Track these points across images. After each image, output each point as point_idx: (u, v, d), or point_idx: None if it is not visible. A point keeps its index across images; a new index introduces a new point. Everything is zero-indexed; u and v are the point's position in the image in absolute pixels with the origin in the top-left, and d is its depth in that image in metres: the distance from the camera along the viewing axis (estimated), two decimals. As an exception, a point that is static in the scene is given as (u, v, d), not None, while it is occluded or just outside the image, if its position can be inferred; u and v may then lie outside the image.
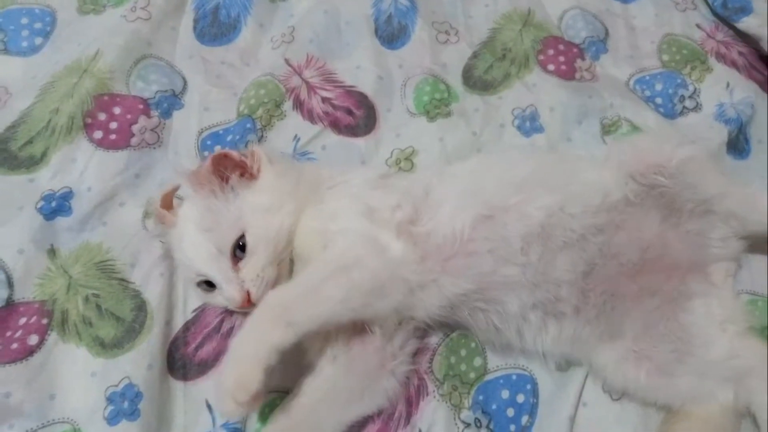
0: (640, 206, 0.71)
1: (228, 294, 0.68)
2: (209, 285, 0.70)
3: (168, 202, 0.75)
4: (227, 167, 0.71)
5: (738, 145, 0.93)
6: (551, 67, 0.99)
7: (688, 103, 0.97)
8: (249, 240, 0.68)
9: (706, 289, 0.72)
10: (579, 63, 1.00)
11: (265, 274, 0.68)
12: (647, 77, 1.00)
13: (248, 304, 0.67)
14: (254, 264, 0.68)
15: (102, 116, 0.88)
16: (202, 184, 0.71)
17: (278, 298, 0.64)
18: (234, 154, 0.72)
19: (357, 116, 0.93)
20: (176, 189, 0.76)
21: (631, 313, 0.70)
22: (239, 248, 0.68)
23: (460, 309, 0.70)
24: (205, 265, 0.69)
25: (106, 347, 0.74)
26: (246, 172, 0.72)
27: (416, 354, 0.76)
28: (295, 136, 0.91)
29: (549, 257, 0.68)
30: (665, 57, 1.02)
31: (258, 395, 0.59)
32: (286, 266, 0.72)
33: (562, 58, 1.00)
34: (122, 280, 0.78)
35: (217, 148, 0.88)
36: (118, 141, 0.87)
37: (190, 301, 0.78)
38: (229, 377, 0.60)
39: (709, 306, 0.71)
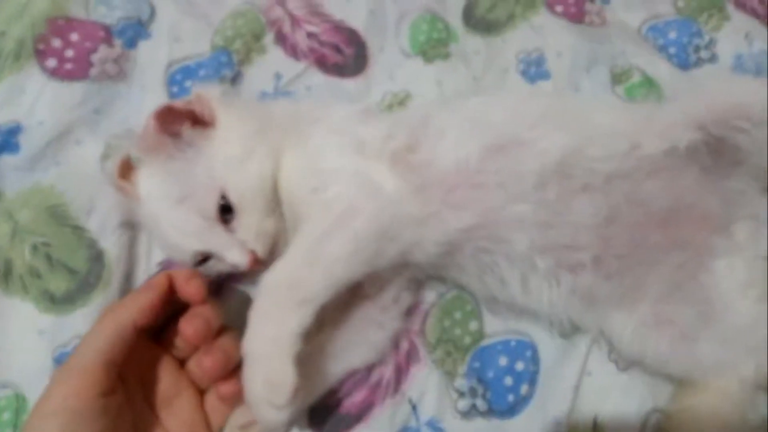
0: (684, 157, 0.63)
1: (232, 261, 0.60)
2: (203, 260, 0.62)
3: (125, 170, 0.63)
4: (174, 121, 0.61)
5: (757, 99, 0.86)
6: (559, 8, 0.90)
7: (703, 54, 0.89)
8: (233, 197, 0.59)
9: (731, 248, 0.65)
10: (588, 6, 0.91)
11: (264, 228, 0.60)
12: (661, 24, 0.92)
13: (257, 264, 0.60)
14: (248, 222, 0.60)
15: (56, 42, 0.77)
16: (154, 149, 0.61)
17: (279, 276, 0.56)
18: (177, 104, 0.62)
19: (346, 54, 0.84)
20: (128, 156, 0.65)
21: (656, 269, 0.63)
22: (225, 210, 0.59)
23: (463, 250, 0.62)
24: (197, 241, 0.60)
25: (56, 302, 0.65)
26: (198, 121, 0.62)
27: (407, 313, 0.68)
28: (276, 73, 0.82)
29: (567, 198, 0.61)
30: (680, 3, 0.93)
31: (297, 390, 0.52)
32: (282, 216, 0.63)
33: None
34: (76, 227, 0.68)
35: (191, 91, 0.76)
36: (74, 71, 0.77)
37: (155, 252, 0.69)
38: (256, 383, 0.53)
39: (732, 267, 0.64)
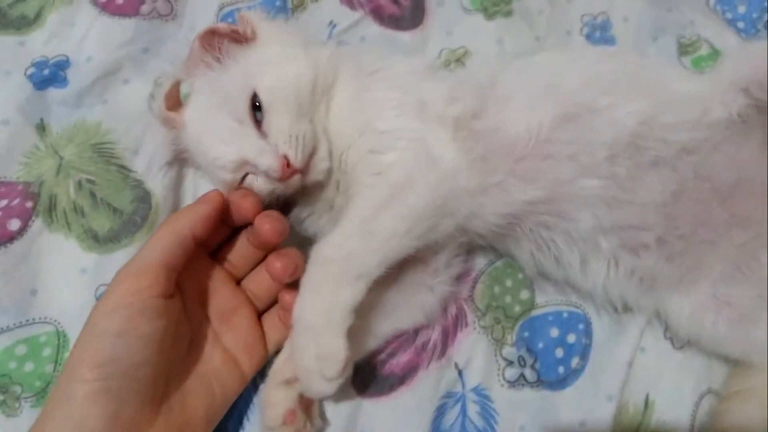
0: (743, 126, 0.60)
1: (263, 166, 0.56)
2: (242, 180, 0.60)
3: (173, 100, 0.62)
4: (218, 43, 0.60)
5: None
6: (627, -28, 0.86)
7: (773, 30, 0.85)
8: (262, 95, 0.56)
9: None
10: (656, -27, 0.87)
11: (296, 131, 0.57)
12: (731, -3, 0.87)
13: (290, 171, 0.56)
14: (279, 122, 0.57)
15: (107, -24, 0.75)
16: (196, 65, 0.60)
17: (333, 249, 0.54)
18: (222, 26, 0.61)
19: (403, 6, 0.80)
20: (178, 83, 0.63)
21: (717, 249, 0.60)
22: (257, 109, 0.57)
23: (522, 223, 0.60)
24: (231, 146, 0.57)
25: (100, 241, 0.63)
26: (241, 39, 0.61)
27: (458, 277, 0.66)
28: (331, 21, 0.79)
29: (637, 173, 0.58)
30: (750, -24, 0.89)
31: (348, 364, 0.52)
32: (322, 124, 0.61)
33: (639, -37, 0.87)
34: (122, 167, 0.66)
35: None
36: (125, 7, 0.74)
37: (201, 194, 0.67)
38: (308, 355, 0.52)
39: None
